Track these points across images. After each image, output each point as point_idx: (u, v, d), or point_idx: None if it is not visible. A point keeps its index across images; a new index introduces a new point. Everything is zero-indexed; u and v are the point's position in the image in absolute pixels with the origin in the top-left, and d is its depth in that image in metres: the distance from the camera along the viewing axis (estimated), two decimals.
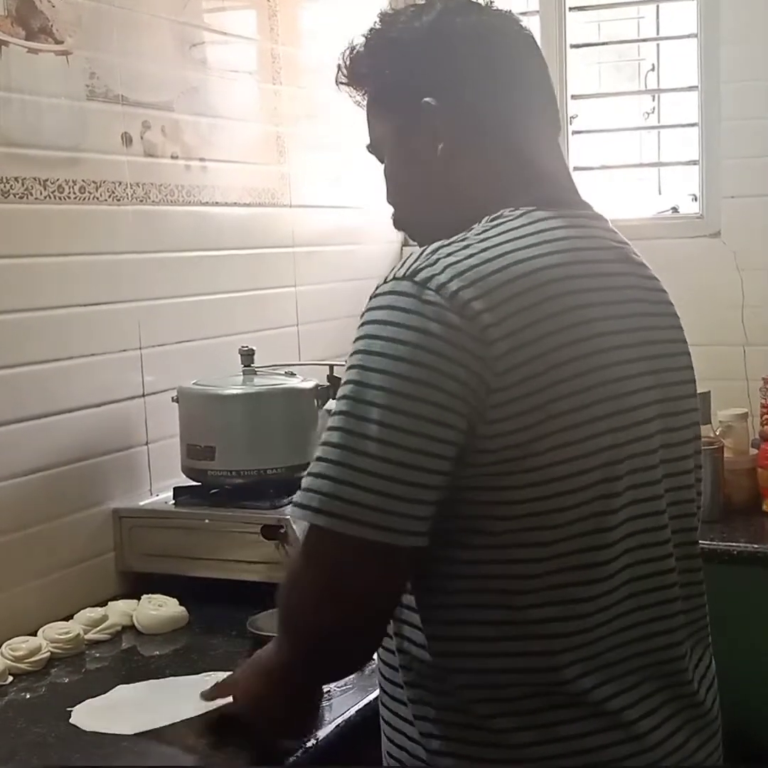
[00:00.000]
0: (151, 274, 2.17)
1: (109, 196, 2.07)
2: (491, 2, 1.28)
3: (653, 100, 3.22)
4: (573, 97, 3.01)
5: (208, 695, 1.43)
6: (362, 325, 1.08)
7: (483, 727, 1.11)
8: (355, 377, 1.06)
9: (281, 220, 2.60)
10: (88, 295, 2.02)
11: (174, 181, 2.25)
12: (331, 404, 1.41)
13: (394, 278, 1.08)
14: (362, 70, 1.25)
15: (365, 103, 1.27)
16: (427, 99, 1.19)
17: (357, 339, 1.08)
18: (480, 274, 1.07)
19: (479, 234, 1.12)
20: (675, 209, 3.01)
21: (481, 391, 1.04)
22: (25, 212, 1.89)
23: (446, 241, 1.11)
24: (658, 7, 3.14)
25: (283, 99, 2.58)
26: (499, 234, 1.12)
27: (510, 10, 1.28)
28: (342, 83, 1.27)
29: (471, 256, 1.08)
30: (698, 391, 2.22)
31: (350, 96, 1.28)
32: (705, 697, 1.21)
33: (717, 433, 2.51)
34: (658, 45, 3.21)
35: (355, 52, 1.25)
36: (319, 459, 1.06)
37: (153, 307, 2.17)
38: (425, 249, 1.11)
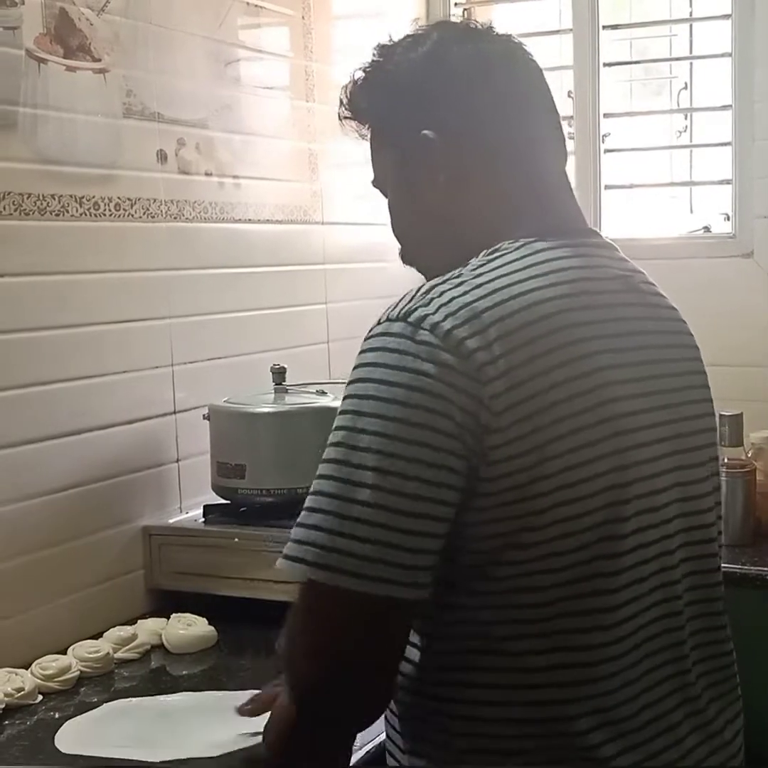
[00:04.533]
0: (184, 290, 2.18)
1: (144, 213, 2.07)
2: (491, 27, 1.24)
3: (686, 118, 3.21)
4: (605, 115, 2.99)
5: (248, 710, 1.33)
6: (355, 367, 1.05)
7: None
8: (348, 423, 1.02)
9: (312, 237, 2.60)
10: (122, 312, 2.03)
11: (207, 198, 2.25)
12: None
13: (388, 319, 1.06)
14: (362, 104, 1.23)
15: (368, 137, 1.25)
16: (425, 132, 1.16)
17: (349, 383, 1.04)
18: (474, 311, 1.04)
19: (475, 269, 1.09)
20: (707, 229, 2.99)
21: (478, 432, 1.01)
22: (61, 229, 1.89)
23: (441, 279, 1.09)
24: (691, 25, 3.13)
25: (316, 116, 2.58)
26: (495, 268, 1.09)
27: (511, 36, 1.23)
28: (345, 118, 1.25)
29: (465, 293, 1.05)
30: (730, 414, 2.25)
31: (355, 130, 1.25)
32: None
33: (748, 455, 2.48)
34: (691, 63, 3.20)
35: (354, 86, 1.23)
36: (310, 510, 1.02)
37: (185, 324, 2.18)
38: (420, 288, 1.08)
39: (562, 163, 1.24)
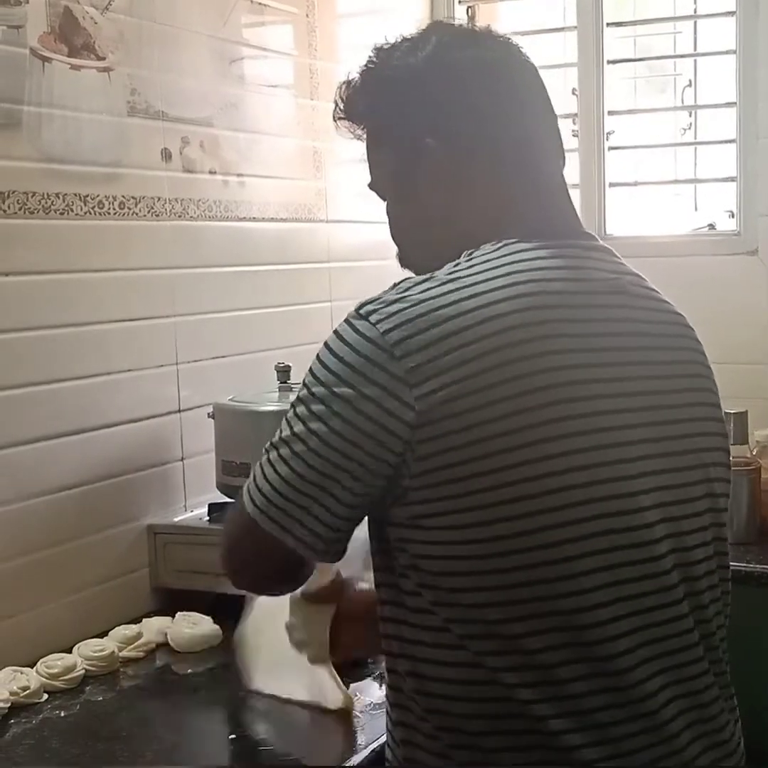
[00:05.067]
0: (188, 289, 2.18)
1: (149, 212, 2.07)
2: (490, 30, 1.24)
3: (690, 116, 3.20)
4: (609, 112, 2.99)
5: (312, 594, 1.40)
6: (322, 345, 1.11)
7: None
8: (301, 393, 1.11)
9: (317, 236, 2.60)
10: (126, 311, 2.03)
11: (212, 196, 2.25)
12: None
13: (354, 308, 1.10)
14: (358, 108, 1.23)
15: (364, 139, 1.25)
16: (427, 139, 1.17)
17: (315, 358, 1.11)
18: (415, 313, 1.06)
19: (449, 272, 1.11)
20: (712, 226, 2.98)
21: (403, 432, 1.04)
22: (66, 228, 1.89)
23: (415, 277, 1.11)
24: (695, 23, 3.13)
25: (320, 114, 2.58)
26: (466, 268, 1.11)
27: (508, 39, 1.23)
28: (340, 119, 1.25)
29: (423, 291, 1.08)
30: (734, 412, 2.24)
31: (350, 131, 1.25)
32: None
33: (753, 453, 2.48)
34: (695, 61, 3.19)
35: (351, 88, 1.23)
36: (266, 450, 1.14)
37: (189, 322, 2.18)
38: (393, 284, 1.11)
39: (560, 166, 1.24)
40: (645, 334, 1.17)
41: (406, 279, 1.11)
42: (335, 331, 1.09)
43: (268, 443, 1.13)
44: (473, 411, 1.04)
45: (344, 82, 1.24)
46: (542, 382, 1.06)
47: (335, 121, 1.26)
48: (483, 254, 1.13)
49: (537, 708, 1.07)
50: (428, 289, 1.08)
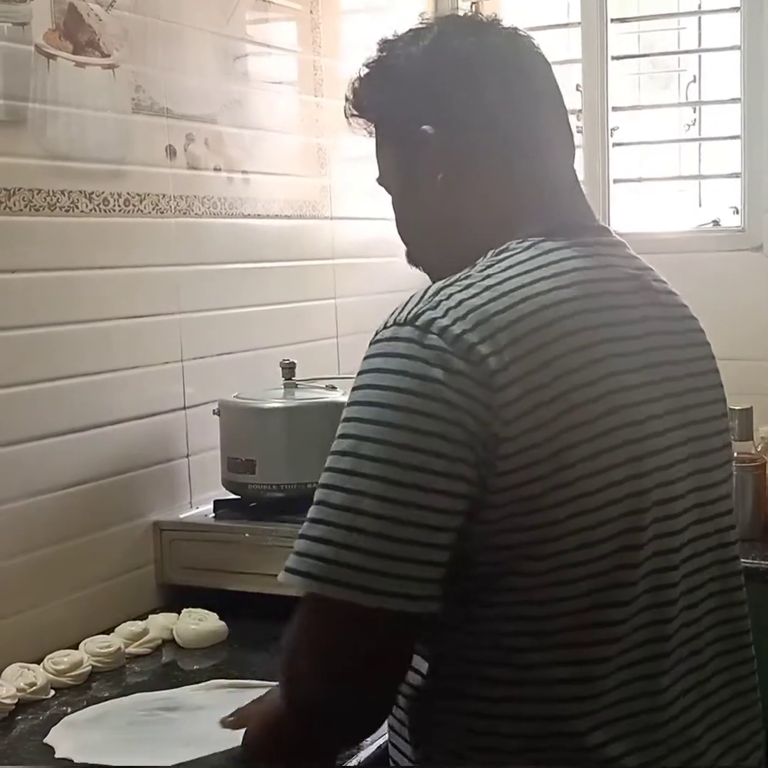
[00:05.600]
0: (193, 286, 2.18)
1: (153, 209, 2.07)
2: (497, 20, 1.21)
3: (694, 112, 3.20)
4: (614, 109, 2.99)
5: (232, 723, 1.30)
6: (360, 373, 1.02)
7: None
8: (352, 431, 0.99)
9: (322, 232, 2.60)
10: (131, 308, 2.03)
11: (216, 193, 2.25)
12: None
13: (395, 323, 1.02)
14: (364, 101, 1.22)
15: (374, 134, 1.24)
16: (424, 127, 1.14)
17: (354, 388, 1.01)
18: (484, 315, 1.00)
19: (483, 270, 1.06)
20: (716, 222, 2.98)
21: (489, 442, 0.98)
22: (71, 225, 1.89)
23: (448, 281, 1.05)
24: (699, 18, 3.12)
25: (325, 111, 2.58)
26: (504, 270, 1.06)
27: (516, 29, 1.20)
28: (352, 115, 1.23)
29: (474, 295, 1.02)
30: (739, 408, 2.24)
31: (364, 127, 1.23)
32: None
33: (758, 449, 2.48)
34: (699, 56, 3.19)
35: (357, 83, 1.22)
36: (314, 521, 0.99)
37: (194, 320, 2.18)
38: (427, 290, 1.05)
39: (570, 159, 1.21)
40: (668, 332, 1.16)
41: (441, 289, 1.04)
42: (387, 353, 1.00)
43: (324, 513, 0.98)
44: (548, 424, 1.00)
45: (355, 78, 1.22)
46: (600, 390, 1.03)
47: (347, 119, 1.24)
48: (514, 254, 1.09)
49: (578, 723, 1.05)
50: (479, 292, 1.02)
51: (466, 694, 1.08)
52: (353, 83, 1.22)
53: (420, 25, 1.20)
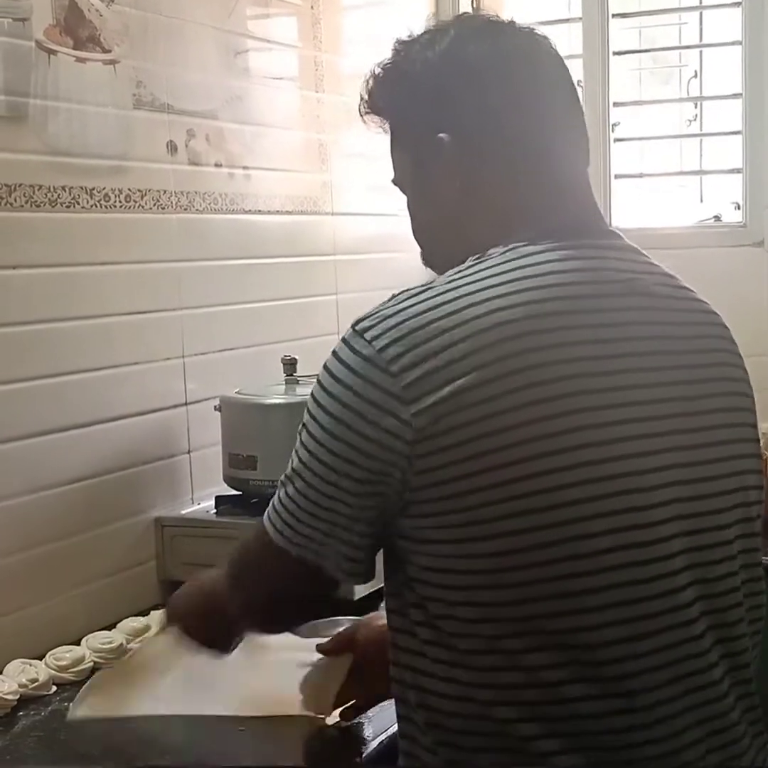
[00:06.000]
0: (195, 282, 2.18)
1: (154, 205, 2.07)
2: (513, 21, 1.20)
3: (695, 107, 3.19)
4: (615, 104, 2.99)
5: (326, 647, 1.44)
6: (322, 367, 1.10)
7: None
8: (303, 418, 1.11)
9: (323, 228, 2.60)
10: (133, 304, 2.03)
11: (217, 189, 2.25)
12: None
13: (350, 324, 1.08)
14: (379, 103, 1.21)
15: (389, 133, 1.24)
16: (440, 135, 1.14)
17: (315, 379, 1.11)
18: (410, 327, 1.04)
19: (449, 279, 1.09)
20: (717, 218, 2.98)
21: (404, 445, 1.03)
22: (73, 221, 1.89)
23: (410, 288, 1.09)
24: (701, 13, 3.12)
25: (326, 106, 2.57)
26: (466, 276, 1.08)
27: (533, 30, 1.20)
28: (366, 113, 1.23)
29: (418, 303, 1.06)
30: None
31: (379, 125, 1.23)
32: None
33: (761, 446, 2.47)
34: (700, 52, 3.18)
35: (374, 82, 1.21)
36: (281, 483, 1.16)
37: (196, 315, 2.18)
38: (390, 296, 1.09)
39: (584, 161, 1.21)
40: (668, 337, 1.12)
41: (402, 291, 1.09)
42: (333, 352, 1.09)
43: (284, 476, 1.15)
44: (471, 425, 1.01)
45: (370, 76, 1.22)
46: (545, 393, 1.02)
47: (361, 115, 1.23)
48: (489, 259, 1.10)
49: (524, 727, 1.05)
50: (425, 299, 1.06)
51: (426, 689, 1.11)
52: (368, 81, 1.22)
53: (437, 27, 1.20)
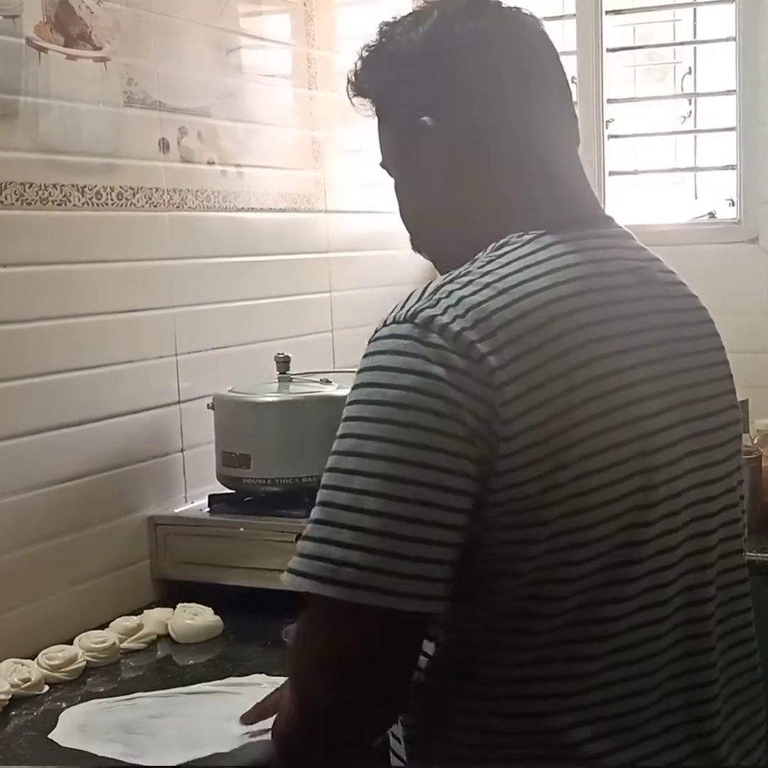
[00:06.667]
0: (187, 280, 2.17)
1: (147, 203, 2.06)
2: (499, 2, 1.18)
3: (690, 103, 3.18)
4: (609, 101, 2.98)
5: (249, 718, 1.36)
6: (360, 371, 1.01)
7: None
8: (355, 430, 0.98)
9: (316, 226, 2.59)
10: (125, 302, 2.02)
11: (210, 186, 2.24)
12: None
13: (394, 321, 1.01)
14: (364, 85, 1.20)
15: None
16: (424, 118, 1.13)
17: (355, 387, 1.00)
18: (483, 312, 0.99)
19: (482, 267, 1.05)
20: (712, 214, 2.97)
21: (490, 439, 0.97)
22: (64, 219, 1.89)
23: (448, 277, 1.04)
24: (695, 10, 3.11)
25: (319, 104, 2.57)
26: (504, 266, 1.05)
27: (519, 9, 1.17)
28: (353, 95, 1.21)
29: (474, 293, 1.01)
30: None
31: (366, 106, 1.21)
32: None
33: (754, 442, 2.48)
34: (695, 48, 3.18)
35: (359, 64, 1.20)
36: (318, 522, 0.97)
37: (189, 313, 2.17)
38: (426, 287, 1.04)
39: (574, 145, 1.19)
40: (675, 325, 1.14)
41: (441, 285, 1.03)
42: (387, 351, 0.99)
43: (330, 507, 0.97)
44: (547, 423, 0.99)
45: (357, 58, 1.20)
46: (602, 388, 1.02)
47: (349, 98, 1.21)
48: (513, 250, 1.07)
49: (559, 720, 1.04)
50: (476, 291, 1.01)
51: (457, 690, 1.08)
52: (355, 64, 1.20)
53: (420, 9, 1.18)
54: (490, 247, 1.08)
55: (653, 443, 1.05)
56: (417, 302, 1.02)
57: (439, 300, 1.01)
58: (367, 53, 1.19)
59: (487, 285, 1.02)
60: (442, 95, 1.14)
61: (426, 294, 1.03)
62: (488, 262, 1.06)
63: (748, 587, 1.19)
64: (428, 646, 1.08)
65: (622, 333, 1.07)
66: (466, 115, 1.13)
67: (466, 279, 1.03)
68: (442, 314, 0.99)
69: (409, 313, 1.00)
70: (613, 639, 1.05)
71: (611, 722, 1.05)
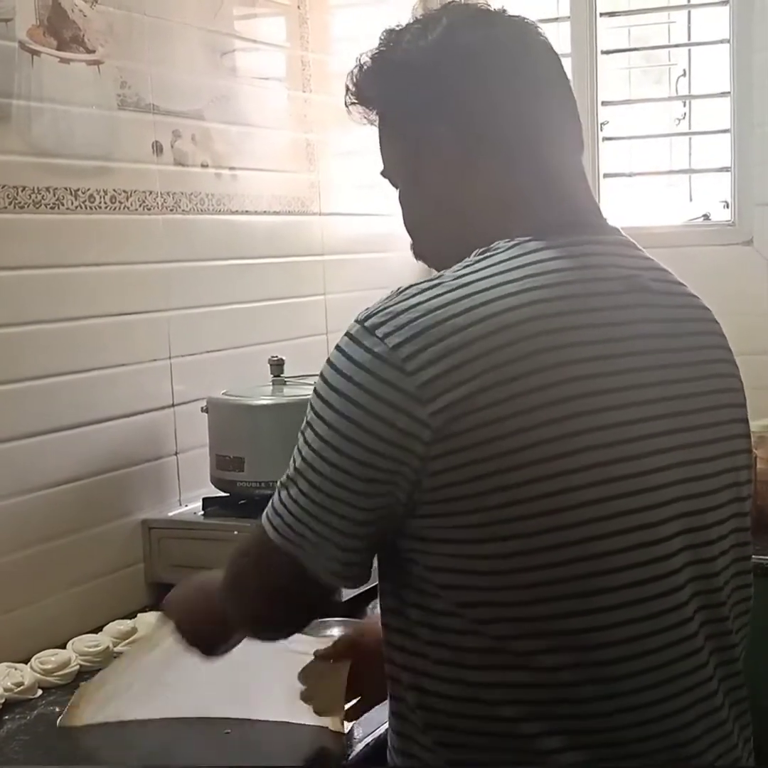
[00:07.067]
0: (181, 283, 2.17)
1: (140, 206, 2.06)
2: (503, 10, 1.19)
3: (684, 106, 3.19)
4: (603, 103, 2.98)
5: (327, 653, 1.41)
6: (325, 363, 1.07)
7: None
8: (308, 416, 1.08)
9: (311, 228, 2.59)
10: (119, 305, 2.02)
11: (204, 189, 2.24)
12: None
13: (356, 320, 1.05)
14: (369, 92, 1.19)
15: (376, 123, 1.21)
16: (433, 125, 1.13)
17: (319, 376, 1.07)
18: (424, 324, 1.01)
19: (457, 272, 1.06)
20: (706, 216, 2.97)
21: (419, 446, 1.01)
22: (57, 222, 1.88)
23: (417, 283, 1.06)
24: (689, 12, 3.11)
25: (313, 106, 2.57)
26: (478, 270, 1.06)
27: (524, 18, 1.19)
28: (352, 104, 1.20)
29: (429, 299, 1.03)
30: None
31: (364, 116, 1.21)
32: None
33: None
34: (689, 50, 3.18)
35: (362, 73, 1.19)
36: (281, 483, 1.12)
37: (182, 317, 2.17)
38: (395, 290, 1.06)
39: (578, 152, 1.20)
40: (667, 335, 1.12)
41: (410, 286, 1.06)
42: (339, 348, 1.05)
43: (285, 476, 1.10)
44: (487, 426, 1.00)
45: (356, 66, 1.19)
46: (558, 395, 1.01)
47: (347, 106, 1.21)
48: (495, 255, 1.08)
49: (529, 726, 1.05)
50: (437, 296, 1.03)
51: (426, 690, 1.10)
52: (356, 72, 1.19)
53: (427, 17, 1.18)
54: (475, 252, 1.10)
55: (630, 450, 1.04)
56: (378, 304, 1.05)
57: (389, 307, 1.04)
58: (369, 61, 1.18)
59: (450, 290, 1.04)
60: (452, 103, 1.14)
61: (388, 297, 1.06)
62: (463, 268, 1.07)
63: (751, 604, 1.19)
64: (400, 638, 1.12)
65: (608, 339, 1.06)
66: (478, 122, 1.14)
67: (433, 283, 1.06)
68: (387, 322, 1.03)
69: (365, 315, 1.05)
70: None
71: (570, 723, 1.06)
